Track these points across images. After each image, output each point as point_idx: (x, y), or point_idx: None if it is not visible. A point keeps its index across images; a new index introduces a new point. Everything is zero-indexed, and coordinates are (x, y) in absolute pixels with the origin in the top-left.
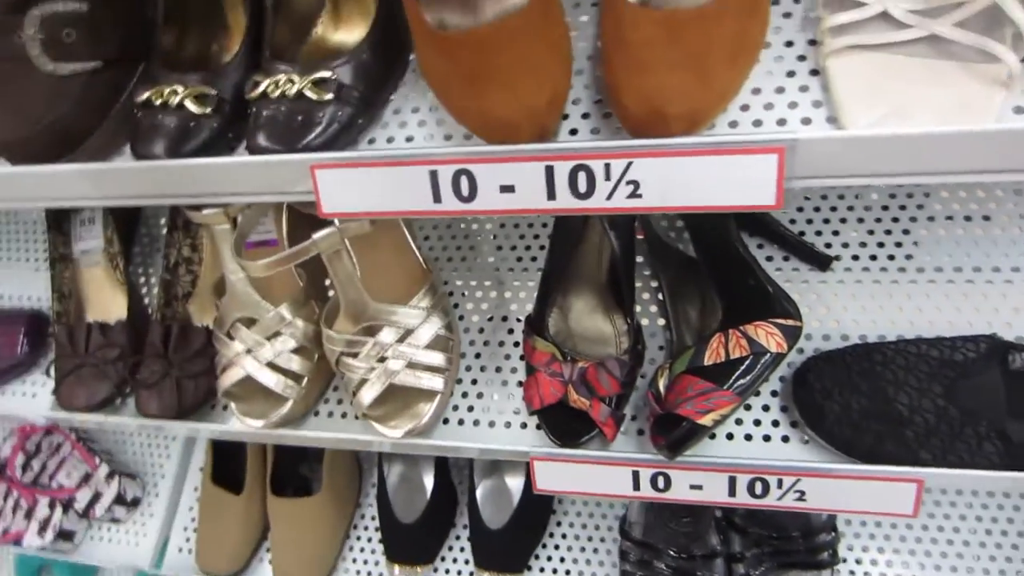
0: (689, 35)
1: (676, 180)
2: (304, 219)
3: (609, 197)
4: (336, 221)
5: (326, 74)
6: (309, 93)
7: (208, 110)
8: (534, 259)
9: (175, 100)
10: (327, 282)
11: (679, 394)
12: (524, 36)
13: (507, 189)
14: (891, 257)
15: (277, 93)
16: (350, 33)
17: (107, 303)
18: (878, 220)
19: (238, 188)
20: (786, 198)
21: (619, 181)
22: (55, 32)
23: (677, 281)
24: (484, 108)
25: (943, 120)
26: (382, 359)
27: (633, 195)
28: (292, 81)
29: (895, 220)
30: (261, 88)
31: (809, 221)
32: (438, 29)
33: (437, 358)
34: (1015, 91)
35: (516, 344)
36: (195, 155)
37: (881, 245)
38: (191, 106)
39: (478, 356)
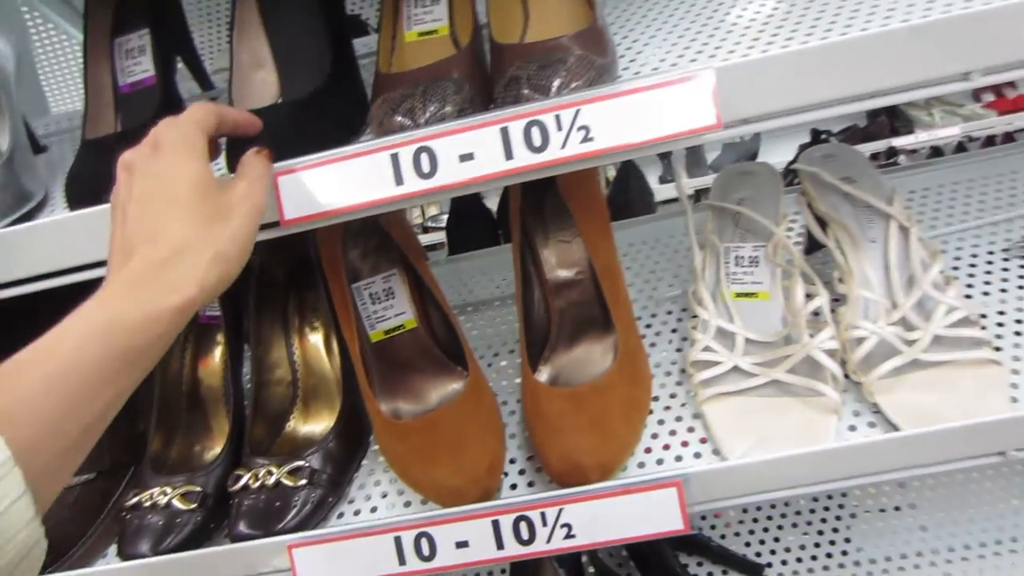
0: (589, 405)
1: (600, 519)
2: None
3: (548, 540)
4: None
5: (300, 463)
6: (285, 481)
7: (193, 506)
8: None
9: (163, 500)
10: None
11: None
12: (463, 417)
13: (462, 544)
14: (828, 555)
15: (257, 484)
16: (318, 424)
17: None
18: (809, 523)
19: (219, 573)
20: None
21: (555, 525)
22: None
23: None
24: (435, 479)
25: (796, 443)
26: None
27: (568, 536)
28: (271, 472)
29: (823, 521)
30: (243, 481)
31: (751, 532)
32: (392, 418)
33: None
34: (844, 416)
35: None
36: (178, 549)
37: (817, 545)
38: (177, 504)
39: None
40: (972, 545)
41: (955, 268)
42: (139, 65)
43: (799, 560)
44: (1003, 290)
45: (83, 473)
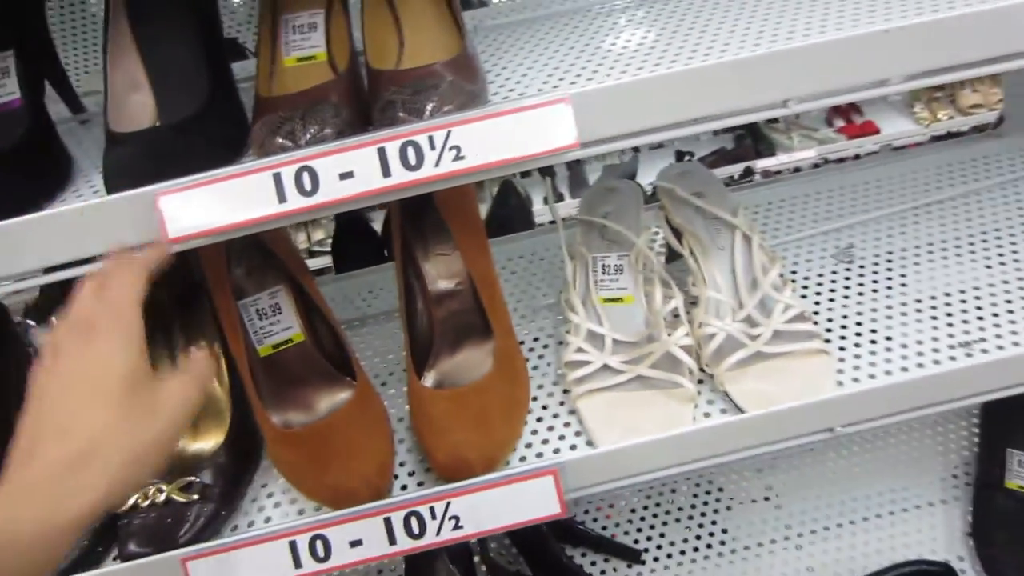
0: (471, 404)
1: (485, 509)
2: None
3: (438, 532)
4: None
5: (190, 479)
6: (176, 497)
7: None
8: None
9: None
10: None
11: None
12: (352, 423)
13: (356, 543)
14: (708, 546)
15: (147, 503)
16: (208, 441)
17: None
18: (690, 517)
19: None
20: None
21: (443, 517)
22: None
23: None
24: (328, 483)
25: (660, 430)
26: None
27: (456, 527)
28: (160, 490)
29: (703, 515)
30: (132, 501)
31: (629, 521)
32: (283, 427)
33: None
34: (700, 404)
35: None
36: (64, 573)
37: (698, 538)
38: None
39: None
40: (829, 526)
41: (792, 272)
42: (3, 88)
43: (682, 552)
44: (832, 291)
45: None
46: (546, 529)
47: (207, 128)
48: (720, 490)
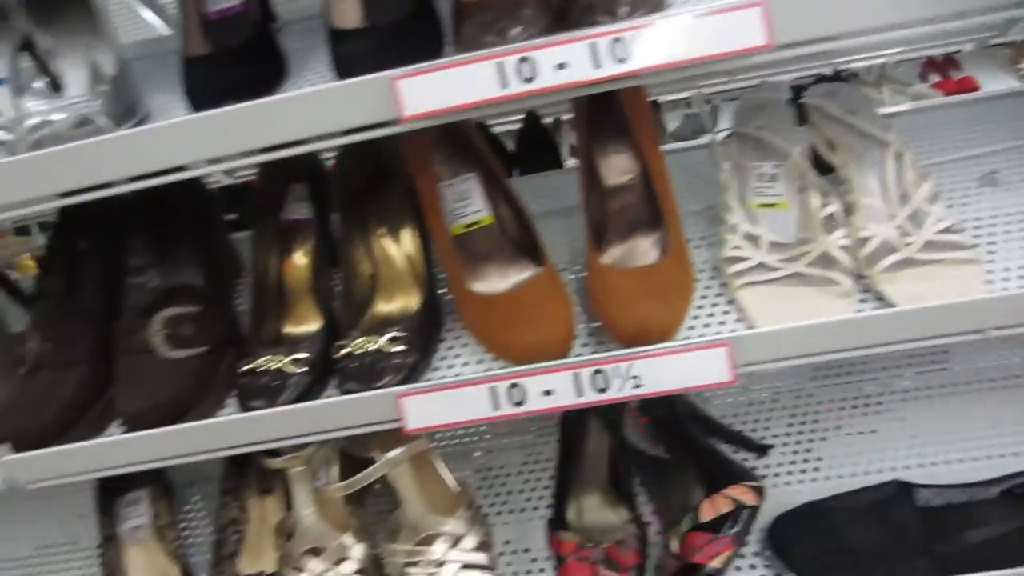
0: (651, 281)
1: (664, 372)
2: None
3: (620, 389)
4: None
5: (397, 333)
6: (384, 347)
7: (303, 369)
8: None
9: (274, 366)
10: None
11: (690, 548)
12: (542, 292)
13: (548, 392)
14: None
15: (359, 352)
16: (402, 307)
17: (160, 572)
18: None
19: (334, 424)
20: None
21: (626, 376)
22: (175, 328)
23: (654, 477)
24: (522, 341)
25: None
26: (440, 564)
27: (636, 386)
28: (371, 341)
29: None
30: (347, 349)
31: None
32: (480, 294)
33: (483, 558)
34: (854, 299)
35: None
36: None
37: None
38: (287, 368)
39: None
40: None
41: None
42: None
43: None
44: (977, 212)
45: (197, 347)
46: (683, 414)
47: (413, 29)
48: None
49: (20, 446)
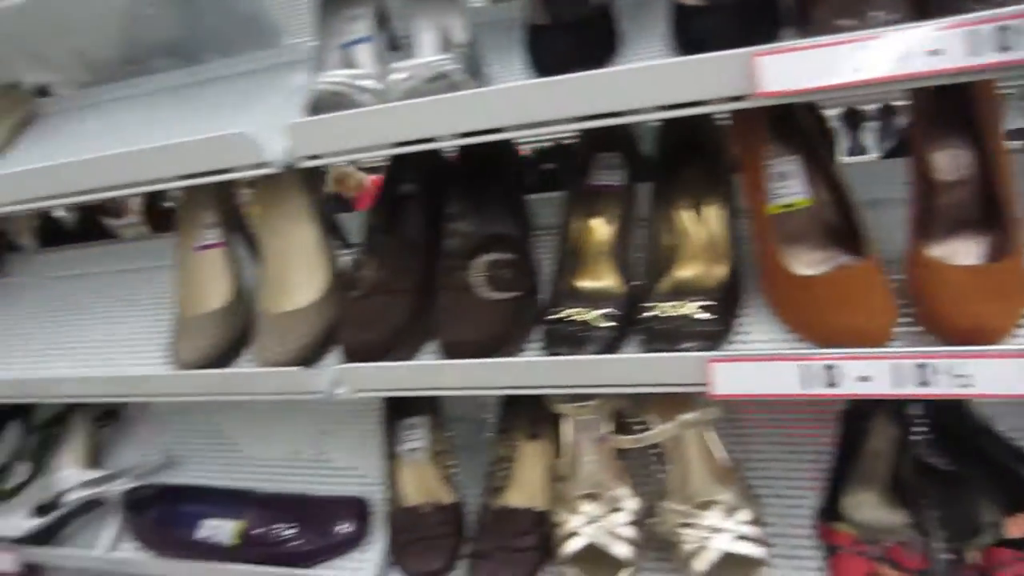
0: (990, 280)
1: (997, 375)
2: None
3: (946, 386)
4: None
5: (705, 301)
6: (689, 312)
7: (610, 324)
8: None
9: (582, 317)
10: None
11: (995, 562)
12: (868, 275)
13: (864, 379)
14: None
15: (664, 314)
16: (705, 278)
17: (431, 492)
18: None
19: (638, 380)
20: None
21: (951, 374)
22: (494, 271)
23: (934, 486)
24: (839, 325)
25: None
26: (716, 530)
27: (964, 385)
28: (675, 306)
29: None
30: (654, 311)
31: None
32: (796, 275)
33: (758, 532)
34: None
35: None
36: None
37: None
38: (594, 321)
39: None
40: None
41: None
42: None
43: None
44: None
45: (512, 291)
46: (976, 427)
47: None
48: None
49: (353, 358)
